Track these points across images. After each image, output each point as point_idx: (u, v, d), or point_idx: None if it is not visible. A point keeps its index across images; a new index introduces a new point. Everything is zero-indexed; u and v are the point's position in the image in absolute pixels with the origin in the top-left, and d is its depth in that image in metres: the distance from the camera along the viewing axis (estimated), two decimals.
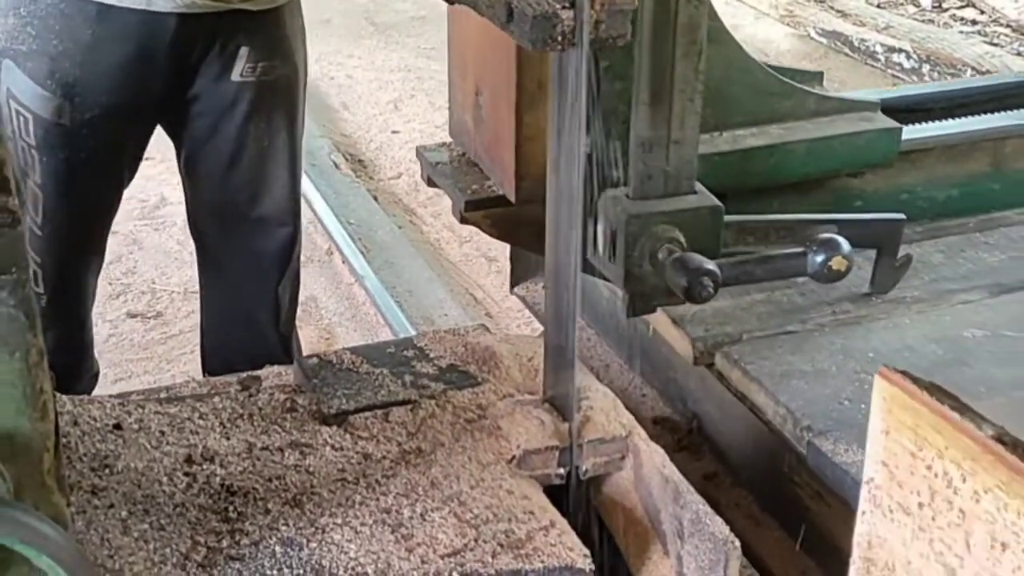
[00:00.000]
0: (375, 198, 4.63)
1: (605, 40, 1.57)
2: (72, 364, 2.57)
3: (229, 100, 2.34)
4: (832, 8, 7.15)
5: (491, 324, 3.40)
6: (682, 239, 1.94)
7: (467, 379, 2.00)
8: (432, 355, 2.06)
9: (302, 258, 4.16)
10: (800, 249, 2.04)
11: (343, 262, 4.10)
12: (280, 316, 2.64)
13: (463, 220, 2.30)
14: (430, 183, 2.42)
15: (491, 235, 2.29)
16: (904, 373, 1.07)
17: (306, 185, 4.55)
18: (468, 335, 2.13)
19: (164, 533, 1.64)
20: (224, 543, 1.64)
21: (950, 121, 2.64)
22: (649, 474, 1.82)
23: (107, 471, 1.72)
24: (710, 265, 1.89)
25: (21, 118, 2.27)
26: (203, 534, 1.65)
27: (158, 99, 2.35)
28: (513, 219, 2.26)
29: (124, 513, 1.66)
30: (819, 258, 2.01)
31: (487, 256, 4.14)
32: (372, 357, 2.05)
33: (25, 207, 2.32)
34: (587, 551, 1.68)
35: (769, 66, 2.36)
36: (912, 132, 2.51)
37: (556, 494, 1.83)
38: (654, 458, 1.81)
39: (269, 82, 2.35)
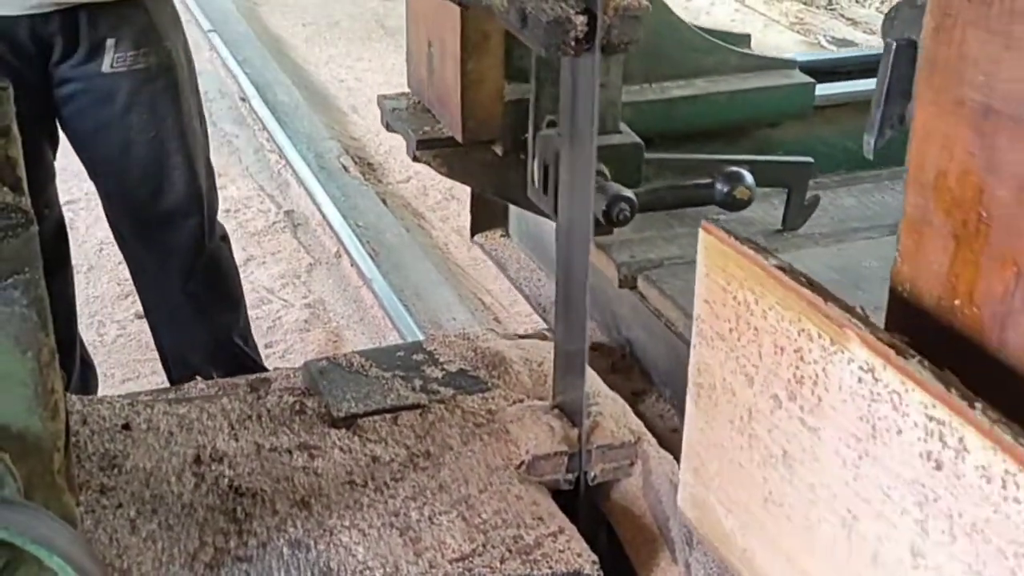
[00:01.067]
0: (384, 201, 4.63)
1: (617, 45, 1.57)
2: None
3: (105, 92, 2.36)
4: (842, 16, 7.15)
5: (499, 329, 3.40)
6: (607, 172, 2.11)
7: (476, 383, 2.00)
8: (441, 359, 2.06)
9: (309, 260, 4.19)
10: (708, 180, 2.22)
11: (351, 265, 4.10)
12: (209, 312, 2.63)
13: (415, 159, 2.47)
14: (388, 128, 2.58)
15: (441, 173, 2.45)
16: (717, 223, 1.36)
17: (315, 188, 4.56)
18: (478, 339, 2.13)
19: (172, 533, 1.64)
20: (232, 543, 1.64)
21: (862, 80, 2.86)
22: (658, 481, 1.81)
23: (116, 471, 1.72)
24: (627, 192, 2.07)
25: None
26: (211, 534, 1.65)
27: (33, 97, 2.34)
28: (460, 158, 2.42)
29: (132, 513, 1.66)
30: (724, 188, 2.19)
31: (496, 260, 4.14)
32: (381, 361, 2.05)
33: None
34: (595, 557, 1.68)
35: (697, 26, 2.59)
36: (826, 89, 2.78)
37: (565, 500, 1.83)
38: (663, 465, 1.81)
39: (142, 70, 2.37)
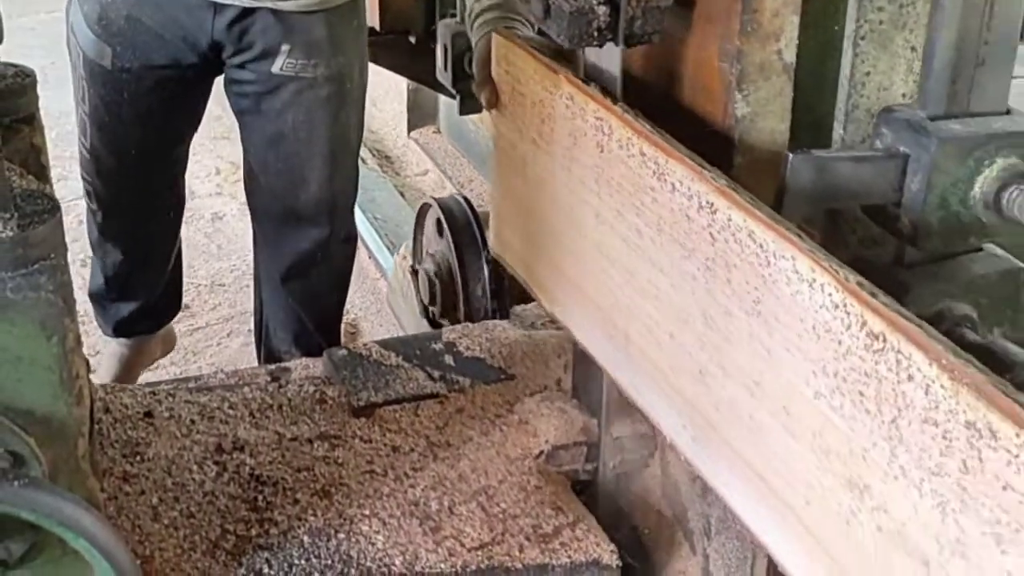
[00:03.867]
0: (402, 194, 4.63)
1: (640, 36, 1.57)
2: (138, 277, 2.79)
3: (271, 87, 2.43)
4: None
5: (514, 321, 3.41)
6: None
7: (496, 374, 2.01)
8: (461, 349, 2.07)
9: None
10: None
11: (369, 257, 4.11)
12: (311, 308, 2.67)
13: None
14: None
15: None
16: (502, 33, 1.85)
17: None
18: (496, 330, 2.13)
19: (194, 520, 1.66)
20: (253, 532, 1.65)
21: None
22: (676, 471, 1.81)
23: (138, 458, 1.73)
24: None
25: (76, 51, 2.46)
26: (232, 523, 1.66)
27: (197, 73, 2.47)
28: (380, 47, 2.75)
29: (155, 500, 1.67)
30: None
31: None
32: (401, 350, 2.05)
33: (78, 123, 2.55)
34: (613, 547, 1.69)
35: None
36: None
37: (584, 489, 1.84)
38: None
39: (309, 80, 2.42)
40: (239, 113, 2.53)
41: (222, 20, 2.35)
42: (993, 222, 1.36)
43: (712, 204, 1.33)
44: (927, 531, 1.08)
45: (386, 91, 5.79)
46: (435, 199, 2.81)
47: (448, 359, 2.03)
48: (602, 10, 1.52)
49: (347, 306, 3.86)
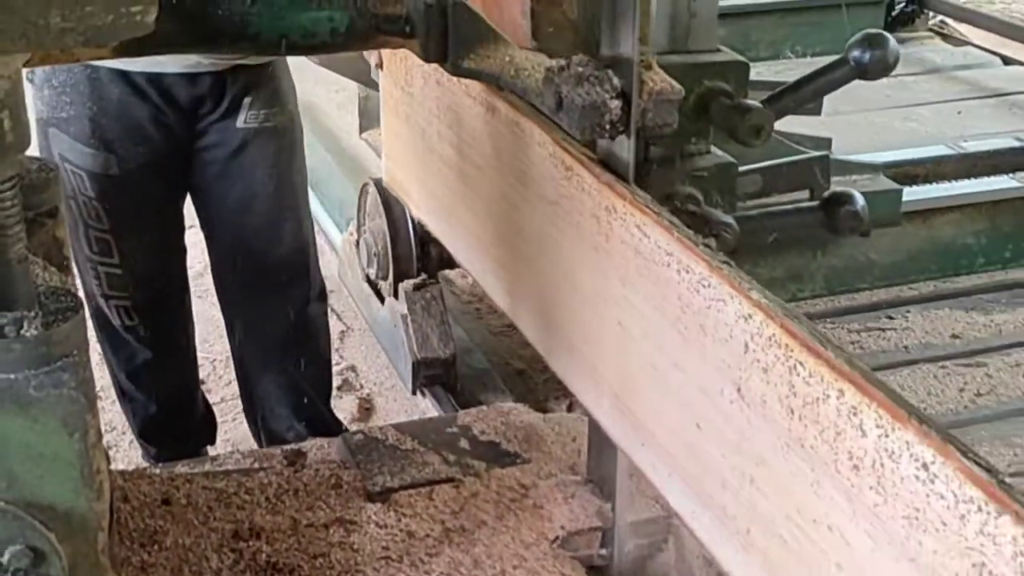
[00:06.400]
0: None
1: (652, 128, 1.59)
2: (181, 389, 2.82)
3: (236, 145, 2.53)
4: None
5: (531, 398, 3.42)
6: None
7: (510, 457, 2.02)
8: (476, 432, 2.08)
9: (341, 328, 4.22)
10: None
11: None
12: (303, 369, 2.74)
13: None
14: None
15: (314, 63, 2.78)
16: None
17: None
18: (511, 413, 2.14)
19: None
20: None
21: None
22: (691, 556, 1.82)
23: (156, 547, 1.74)
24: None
25: (76, 176, 2.47)
26: None
27: (180, 148, 2.53)
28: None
29: None
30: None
31: None
32: (416, 434, 2.07)
33: (88, 259, 2.55)
34: None
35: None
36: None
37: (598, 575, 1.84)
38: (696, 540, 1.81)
39: (270, 128, 2.55)
40: (205, 186, 2.58)
41: (195, 88, 2.45)
42: (701, 128, 1.93)
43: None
44: None
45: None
46: (372, 180, 3.26)
47: (463, 443, 2.04)
48: (614, 104, 1.54)
49: (362, 381, 3.88)
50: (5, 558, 1.22)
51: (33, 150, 2.36)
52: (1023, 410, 2.96)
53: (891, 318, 3.54)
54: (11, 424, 1.22)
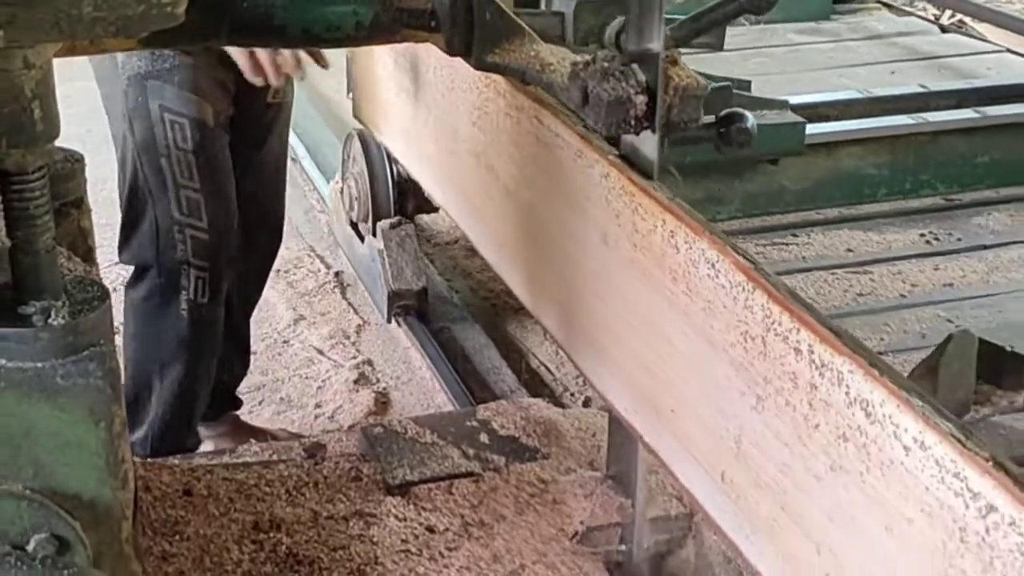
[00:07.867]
0: (432, 262, 4.66)
1: (677, 124, 1.59)
2: (231, 356, 2.86)
3: (267, 120, 2.64)
4: None
5: (545, 392, 3.42)
6: None
7: (530, 452, 2.02)
8: (495, 427, 2.08)
9: (358, 321, 4.23)
10: None
11: (399, 326, 4.13)
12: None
13: None
14: None
15: None
16: None
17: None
18: (531, 408, 2.14)
19: None
20: None
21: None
22: (711, 553, 1.81)
23: (177, 537, 1.75)
24: None
25: (176, 127, 2.48)
26: None
27: (243, 113, 2.59)
28: None
29: None
30: None
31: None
32: (436, 427, 2.07)
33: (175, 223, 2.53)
34: None
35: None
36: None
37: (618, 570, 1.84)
38: (716, 537, 1.81)
39: (287, 104, 2.68)
40: (245, 154, 2.62)
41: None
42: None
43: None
44: None
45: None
46: (355, 130, 3.45)
47: (483, 437, 2.04)
48: (640, 99, 1.54)
49: (378, 375, 3.88)
50: (31, 546, 1.23)
51: (118, 114, 2.46)
52: (897, 307, 3.32)
53: (795, 235, 3.92)
54: (37, 413, 1.23)
